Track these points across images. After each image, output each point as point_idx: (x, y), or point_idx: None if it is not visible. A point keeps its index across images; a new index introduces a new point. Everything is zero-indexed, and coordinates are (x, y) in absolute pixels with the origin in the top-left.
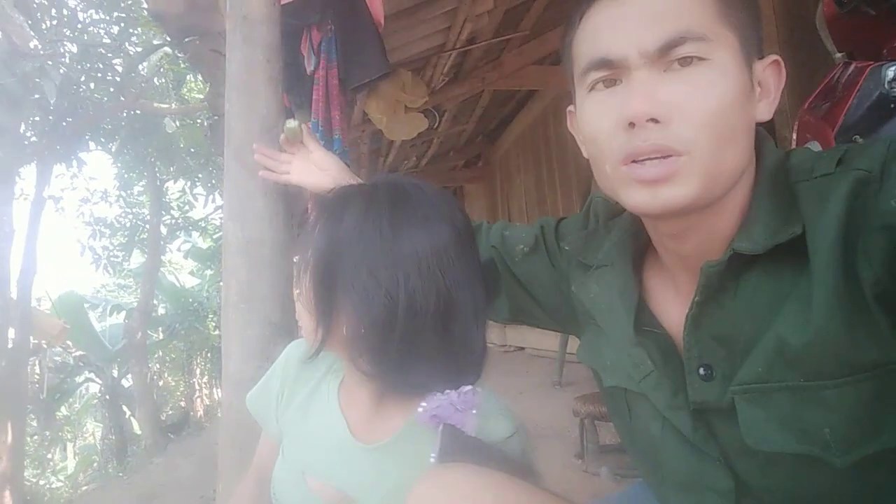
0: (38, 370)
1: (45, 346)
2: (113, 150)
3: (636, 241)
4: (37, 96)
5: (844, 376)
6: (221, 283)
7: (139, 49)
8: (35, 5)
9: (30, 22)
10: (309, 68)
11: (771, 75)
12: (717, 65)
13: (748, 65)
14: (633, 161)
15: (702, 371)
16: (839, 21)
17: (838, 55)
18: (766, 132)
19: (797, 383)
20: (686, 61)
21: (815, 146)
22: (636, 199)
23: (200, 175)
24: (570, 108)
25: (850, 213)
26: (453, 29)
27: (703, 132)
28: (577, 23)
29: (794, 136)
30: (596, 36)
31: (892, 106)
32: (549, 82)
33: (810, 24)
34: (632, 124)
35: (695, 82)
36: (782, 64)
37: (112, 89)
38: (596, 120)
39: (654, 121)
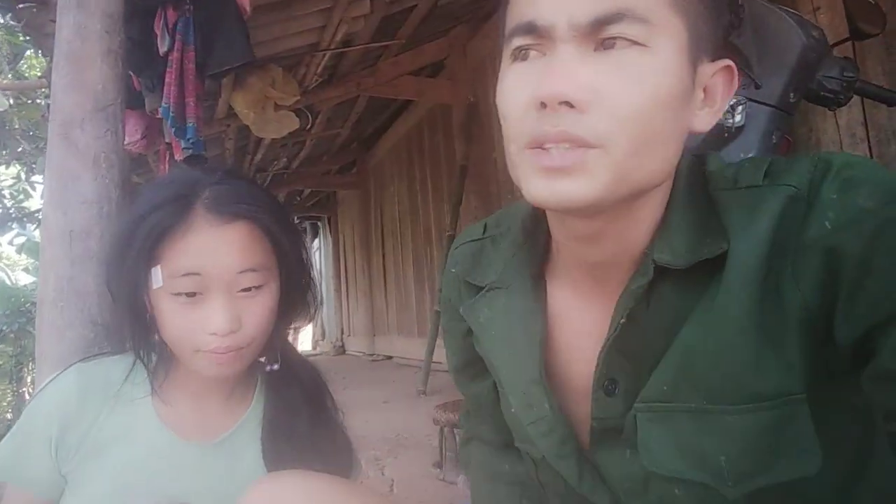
0: None
1: None
2: None
3: (533, 256)
4: None
5: (746, 402)
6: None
7: None
8: None
9: None
10: (162, 49)
11: (720, 82)
12: (656, 54)
13: (694, 64)
14: (539, 147)
15: (606, 385)
16: None
17: None
18: None
19: (700, 405)
20: (620, 43)
21: None
22: (534, 188)
23: (38, 161)
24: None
25: (777, 232)
26: (328, 29)
27: (624, 127)
28: None
29: None
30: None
31: (727, 135)
32: (424, 94)
33: None
34: (543, 105)
35: (625, 68)
36: (736, 72)
37: None
38: (509, 95)
39: (569, 105)
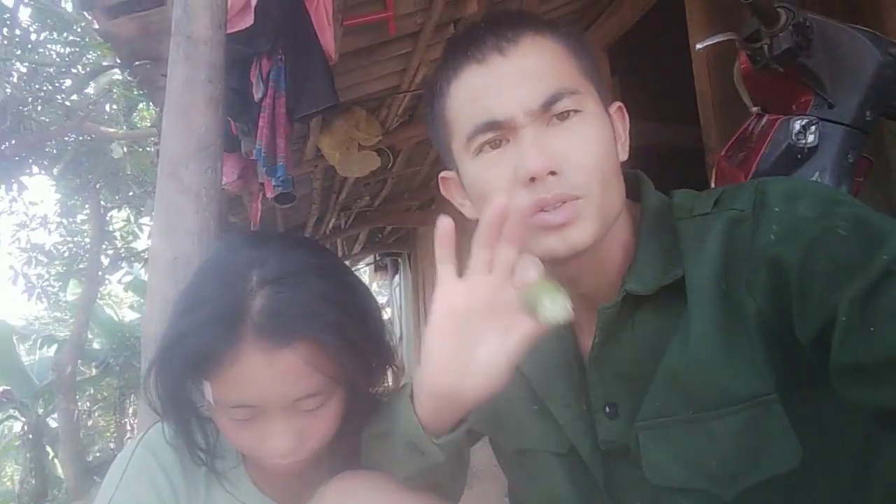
0: None
1: None
2: (56, 174)
3: None
4: None
5: (725, 406)
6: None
7: (88, 70)
8: None
9: None
10: (257, 96)
11: (619, 119)
12: (590, 114)
13: (608, 112)
14: (539, 211)
15: (607, 409)
16: (753, 77)
17: (754, 109)
18: (644, 175)
19: (688, 415)
20: (564, 115)
21: None
22: (546, 244)
23: (146, 204)
24: (444, 174)
25: (727, 250)
26: (408, 72)
27: (593, 176)
28: (445, 90)
29: (713, 182)
30: (475, 101)
31: (799, 156)
32: None
33: None
34: (533, 179)
35: (576, 132)
36: (624, 109)
37: (59, 112)
38: (491, 180)
39: (553, 173)
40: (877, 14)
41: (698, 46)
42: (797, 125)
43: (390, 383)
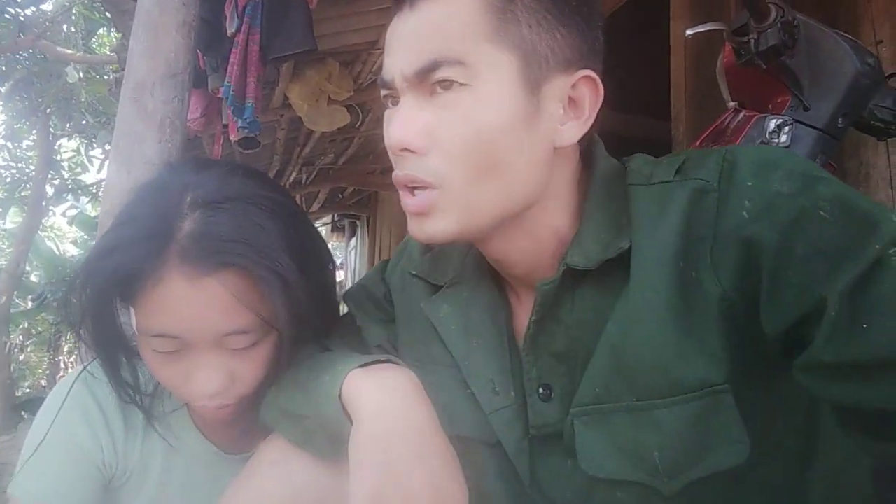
0: None
1: None
2: (3, 92)
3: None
4: None
5: (673, 395)
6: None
7: None
8: None
9: None
10: (230, 30)
11: (586, 93)
12: (479, 91)
13: (533, 87)
14: (401, 188)
15: (540, 391)
16: (735, 71)
17: (731, 103)
18: (597, 137)
19: (632, 403)
20: (446, 85)
21: None
22: (410, 228)
23: (99, 135)
24: None
25: (688, 223)
26: (387, 28)
27: (455, 165)
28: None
29: None
30: (386, 51)
31: None
32: None
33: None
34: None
35: (451, 110)
36: (598, 80)
37: (12, 27)
38: (385, 138)
39: (407, 150)
40: (855, 27)
41: (688, 32)
42: (772, 124)
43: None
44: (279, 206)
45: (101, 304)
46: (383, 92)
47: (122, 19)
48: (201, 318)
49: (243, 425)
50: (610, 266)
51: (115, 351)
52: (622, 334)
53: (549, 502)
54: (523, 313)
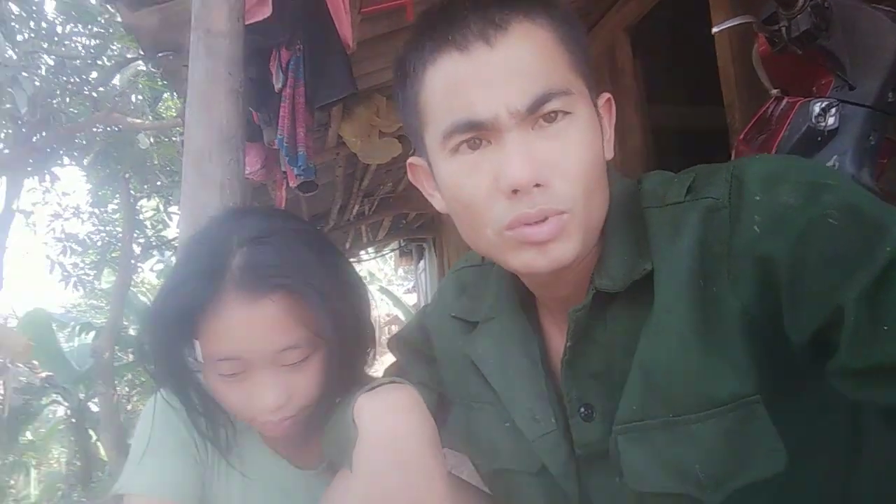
0: (1, 390)
1: (9, 364)
2: (86, 164)
3: (519, 288)
4: (8, 106)
5: (706, 409)
6: None
7: (113, 62)
8: (12, 16)
9: (4, 32)
10: (277, 86)
11: (606, 113)
12: (579, 117)
13: (596, 108)
14: (520, 226)
15: (582, 411)
16: (772, 59)
17: (773, 91)
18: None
19: (668, 419)
20: (551, 117)
21: None
22: (525, 259)
23: (174, 193)
24: (413, 160)
25: (703, 242)
26: None
27: (579, 188)
28: (420, 74)
29: None
30: (454, 95)
31: (819, 139)
32: None
33: None
34: (515, 191)
35: (564, 139)
36: (612, 100)
37: (87, 104)
38: (468, 185)
39: (537, 185)
40: None
41: (714, 30)
42: (817, 108)
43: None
44: (313, 237)
45: (170, 341)
46: (464, 136)
47: (181, 86)
48: (258, 337)
49: (308, 439)
50: (637, 287)
51: (186, 386)
52: (651, 353)
53: None
54: (560, 337)
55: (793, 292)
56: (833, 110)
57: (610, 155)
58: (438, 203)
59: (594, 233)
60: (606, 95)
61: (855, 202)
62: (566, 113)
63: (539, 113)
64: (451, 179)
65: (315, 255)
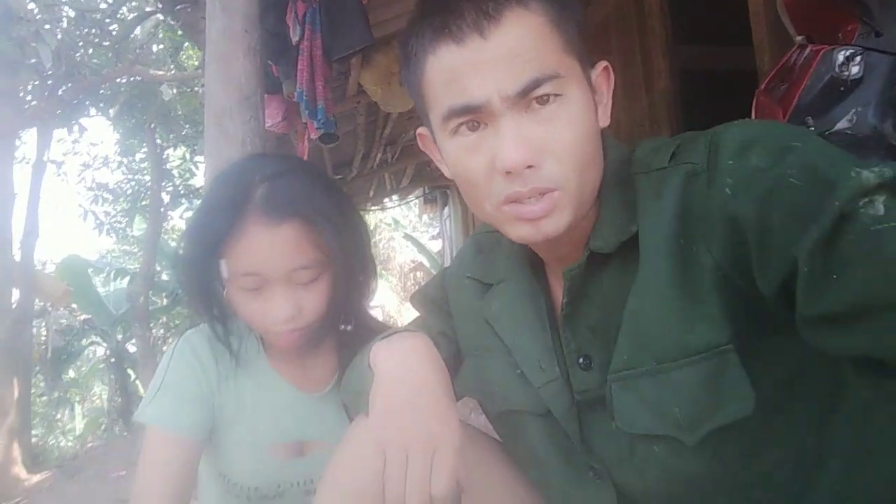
0: (44, 332)
1: (49, 308)
2: (112, 115)
3: (528, 251)
4: (33, 61)
5: (685, 357)
6: None
7: (133, 15)
8: None
9: None
10: (294, 38)
11: (603, 81)
12: (571, 98)
13: (589, 82)
14: (515, 201)
15: (581, 361)
16: (797, 4)
17: (798, 38)
18: (605, 131)
19: (653, 366)
20: (543, 99)
21: None
22: (520, 232)
23: (199, 143)
24: (422, 130)
25: (682, 205)
26: None
27: (570, 166)
28: (422, 60)
29: (753, 117)
30: (451, 82)
31: (842, 89)
32: None
33: None
34: (509, 172)
35: (555, 121)
36: (611, 68)
37: (109, 55)
38: (468, 164)
39: (530, 166)
40: None
41: None
42: (841, 56)
43: (371, 289)
44: (324, 180)
45: (202, 259)
46: (460, 119)
47: (199, 38)
48: (276, 256)
49: (312, 362)
50: (626, 247)
51: (210, 298)
52: (638, 307)
53: (597, 460)
54: (561, 292)
55: (759, 248)
56: (858, 59)
57: (605, 123)
58: (447, 170)
59: (588, 202)
60: (603, 63)
61: (812, 161)
62: (557, 95)
63: (531, 97)
64: (453, 158)
65: (325, 193)
